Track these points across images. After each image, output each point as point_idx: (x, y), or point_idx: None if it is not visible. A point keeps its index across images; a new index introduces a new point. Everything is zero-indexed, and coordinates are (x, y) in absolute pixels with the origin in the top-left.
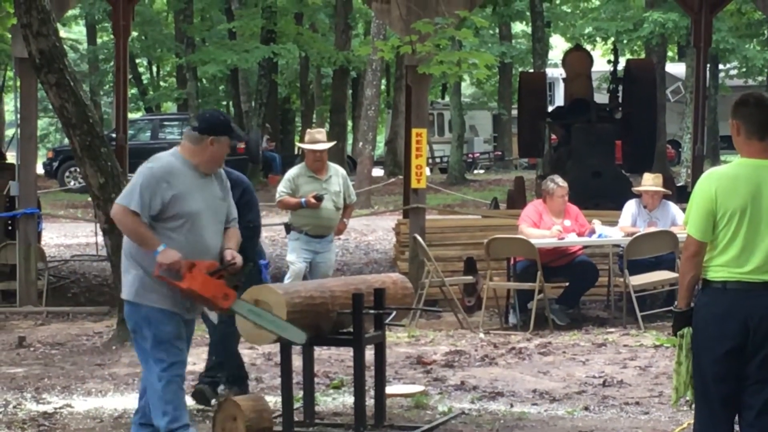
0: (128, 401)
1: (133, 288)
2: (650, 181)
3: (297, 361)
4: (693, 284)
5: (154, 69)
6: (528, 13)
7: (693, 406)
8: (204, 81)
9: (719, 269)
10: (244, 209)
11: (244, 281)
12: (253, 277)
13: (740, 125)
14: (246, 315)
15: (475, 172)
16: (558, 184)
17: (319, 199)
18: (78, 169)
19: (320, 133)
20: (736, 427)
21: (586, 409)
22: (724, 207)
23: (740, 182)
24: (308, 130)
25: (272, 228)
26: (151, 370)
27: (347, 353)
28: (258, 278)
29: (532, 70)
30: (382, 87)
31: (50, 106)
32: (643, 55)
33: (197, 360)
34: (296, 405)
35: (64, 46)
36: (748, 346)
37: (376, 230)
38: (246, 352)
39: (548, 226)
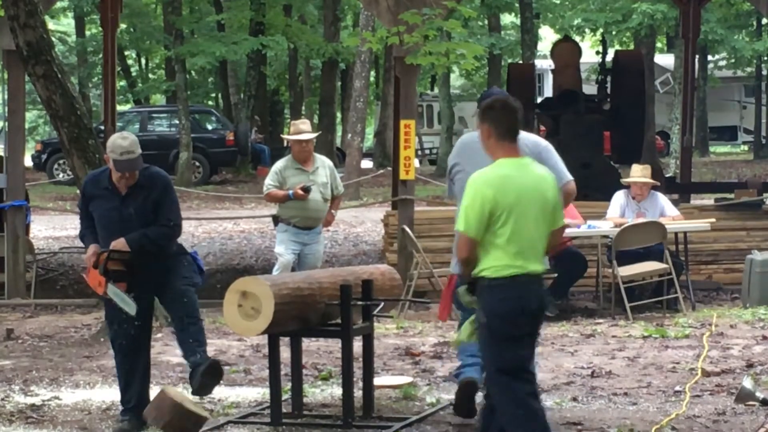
0: (116, 393)
1: None
2: (639, 173)
3: (285, 353)
4: (473, 269)
5: (143, 61)
6: (517, 5)
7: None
8: (193, 73)
9: (503, 266)
10: (170, 208)
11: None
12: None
13: (491, 129)
14: None
15: None
16: None
17: (306, 190)
18: (66, 162)
19: (305, 123)
20: None
21: (575, 399)
22: (501, 206)
23: (510, 181)
24: (293, 121)
25: (261, 220)
26: None
27: (335, 345)
28: (193, 267)
29: (520, 62)
30: (371, 79)
31: (38, 99)
32: (631, 47)
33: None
34: (284, 396)
35: (52, 38)
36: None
37: (364, 222)
38: (234, 344)
39: None
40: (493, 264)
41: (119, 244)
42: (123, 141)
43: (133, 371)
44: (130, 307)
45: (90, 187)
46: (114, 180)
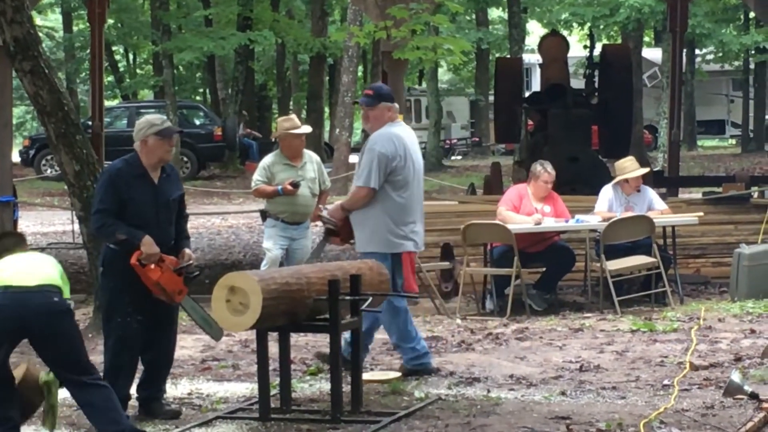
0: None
1: None
2: (631, 166)
3: (273, 348)
4: None
5: (131, 56)
6: None
7: None
8: (180, 68)
9: None
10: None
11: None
12: None
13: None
14: None
15: (452, 158)
16: (546, 169)
17: (295, 185)
18: (54, 157)
19: (295, 118)
20: None
21: (563, 394)
22: None
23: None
24: (283, 117)
25: (249, 215)
26: None
27: (324, 340)
28: None
29: (508, 56)
30: (359, 73)
31: (26, 94)
32: (619, 41)
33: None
34: (273, 392)
35: (40, 34)
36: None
37: None
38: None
39: (528, 210)
40: None
41: (192, 257)
42: (155, 117)
43: (126, 366)
44: (207, 322)
45: (122, 174)
46: (148, 165)
